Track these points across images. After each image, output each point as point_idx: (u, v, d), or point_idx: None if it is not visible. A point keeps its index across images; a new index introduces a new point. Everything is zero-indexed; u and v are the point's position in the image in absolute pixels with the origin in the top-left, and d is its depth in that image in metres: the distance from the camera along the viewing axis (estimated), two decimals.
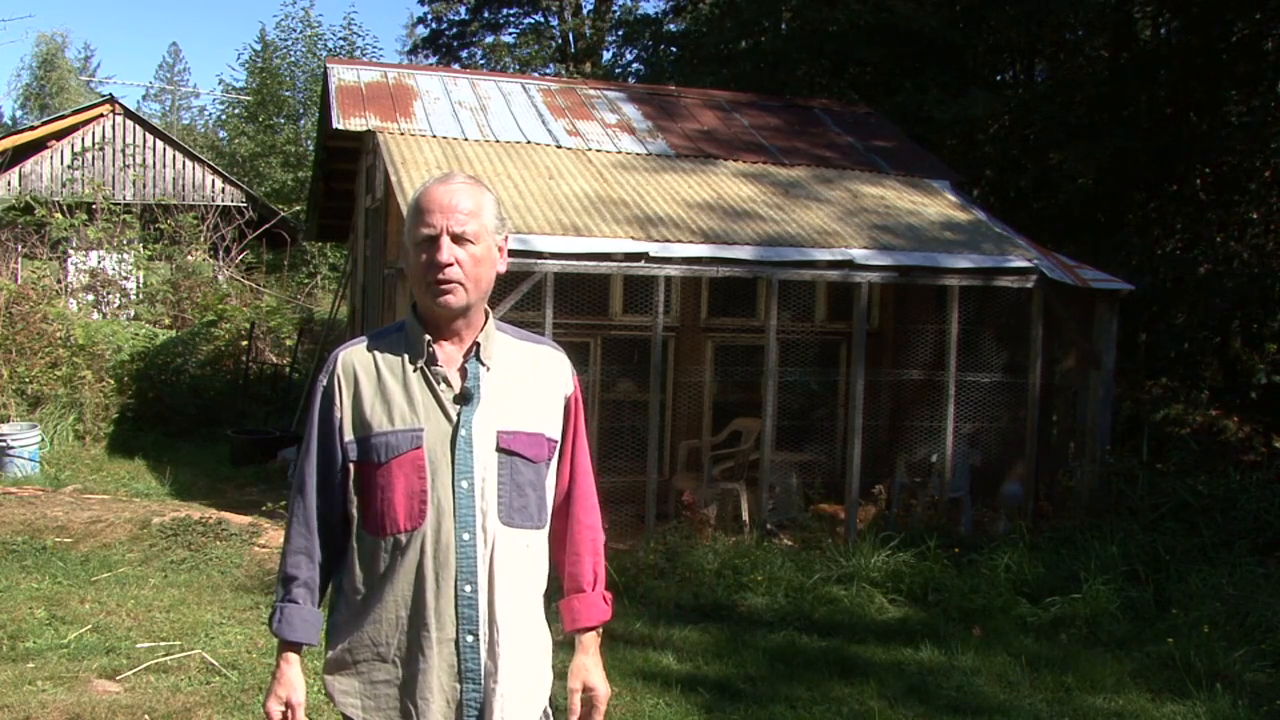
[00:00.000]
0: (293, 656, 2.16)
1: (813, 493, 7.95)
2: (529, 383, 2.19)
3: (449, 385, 2.12)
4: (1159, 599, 6.24)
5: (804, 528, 7.47)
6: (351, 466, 2.12)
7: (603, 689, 2.23)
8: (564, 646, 2.28)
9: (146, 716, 4.37)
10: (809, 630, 5.87)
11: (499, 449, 2.10)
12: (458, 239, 2.08)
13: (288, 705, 2.14)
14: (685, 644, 5.55)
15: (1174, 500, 7.24)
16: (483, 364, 2.15)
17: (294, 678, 2.15)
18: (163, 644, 5.20)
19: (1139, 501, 7.30)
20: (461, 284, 2.08)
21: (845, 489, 7.52)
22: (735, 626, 5.90)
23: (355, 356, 2.16)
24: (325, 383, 2.15)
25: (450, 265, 2.07)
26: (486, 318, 2.19)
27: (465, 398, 2.10)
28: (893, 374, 8.46)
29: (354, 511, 2.14)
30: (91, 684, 4.69)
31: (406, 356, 2.13)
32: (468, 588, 2.06)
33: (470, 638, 2.07)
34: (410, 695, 2.08)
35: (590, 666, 2.23)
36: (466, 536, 2.06)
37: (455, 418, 2.09)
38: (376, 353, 2.15)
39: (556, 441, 2.22)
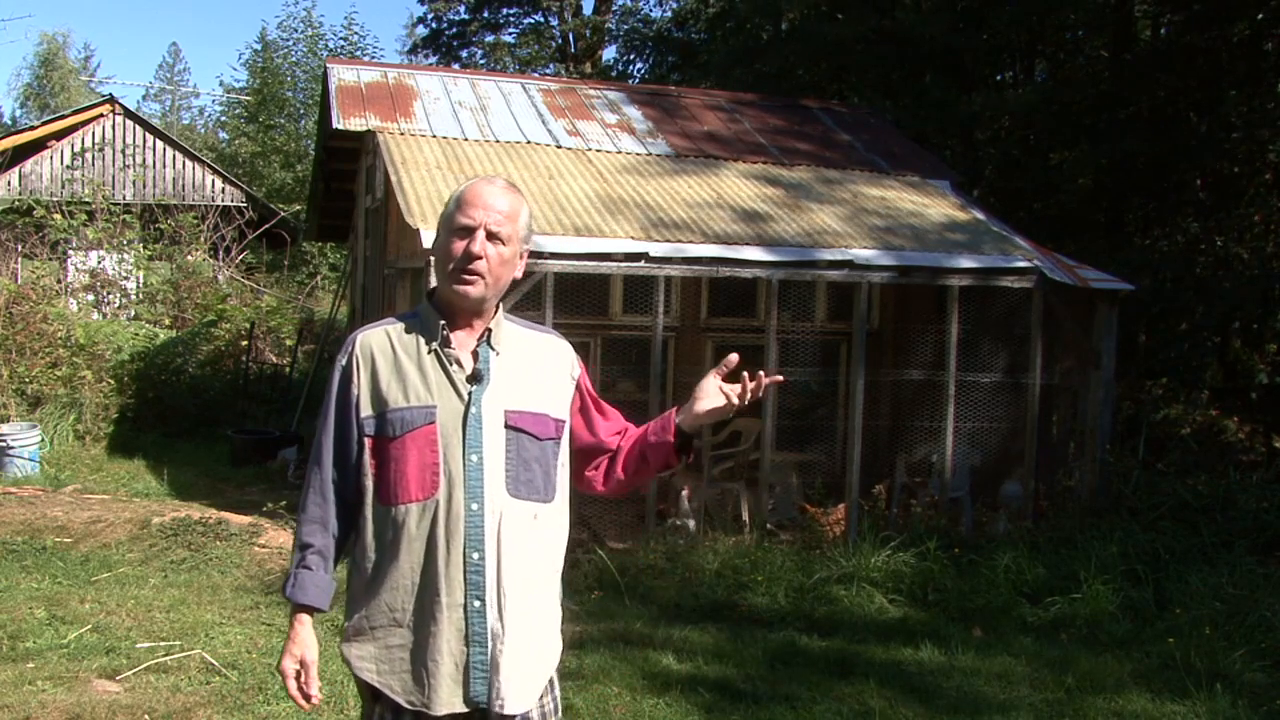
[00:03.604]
0: (305, 618, 2.28)
1: (812, 493, 7.94)
2: (535, 368, 2.34)
3: (461, 366, 2.25)
4: (1159, 599, 6.23)
5: (804, 528, 7.47)
6: (367, 440, 2.24)
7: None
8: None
9: (146, 716, 4.37)
10: (809, 630, 5.87)
11: (507, 426, 2.24)
12: (492, 236, 2.23)
13: (301, 663, 2.26)
14: (685, 644, 5.55)
15: (1174, 500, 7.24)
16: (493, 349, 2.29)
17: (307, 637, 2.27)
18: (163, 644, 5.20)
19: (1139, 501, 7.29)
20: (484, 277, 2.23)
21: (845, 489, 7.52)
22: (735, 626, 5.89)
23: (373, 338, 2.29)
24: (344, 362, 2.29)
25: (480, 258, 2.22)
26: (497, 309, 2.33)
27: (476, 378, 2.25)
28: (893, 374, 8.45)
29: (367, 483, 2.25)
30: (91, 684, 4.69)
31: (422, 339, 2.27)
32: (475, 555, 2.18)
33: (477, 602, 2.18)
34: (421, 659, 2.19)
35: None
36: (475, 507, 2.19)
37: (467, 397, 2.23)
38: (393, 335, 2.29)
39: (563, 421, 2.34)
